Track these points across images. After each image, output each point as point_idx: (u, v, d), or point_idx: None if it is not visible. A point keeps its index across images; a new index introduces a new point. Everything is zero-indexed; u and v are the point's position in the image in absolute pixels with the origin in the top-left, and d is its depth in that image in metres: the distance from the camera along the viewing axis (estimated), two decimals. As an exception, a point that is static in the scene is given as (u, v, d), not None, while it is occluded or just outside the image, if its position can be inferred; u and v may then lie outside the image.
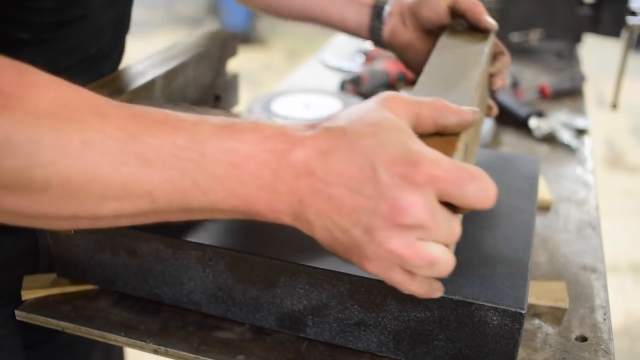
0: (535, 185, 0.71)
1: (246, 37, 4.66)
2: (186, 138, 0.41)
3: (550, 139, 1.06)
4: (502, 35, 1.50)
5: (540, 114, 1.10)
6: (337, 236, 0.41)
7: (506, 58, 0.72)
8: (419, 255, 0.40)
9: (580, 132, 1.08)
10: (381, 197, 0.39)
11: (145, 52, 0.79)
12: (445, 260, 0.40)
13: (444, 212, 0.40)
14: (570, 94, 1.27)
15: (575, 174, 0.93)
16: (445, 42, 0.66)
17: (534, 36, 1.48)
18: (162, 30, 4.99)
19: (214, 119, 0.43)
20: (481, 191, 0.39)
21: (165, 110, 0.43)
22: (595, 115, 3.24)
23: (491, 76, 0.71)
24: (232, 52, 0.86)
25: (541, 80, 1.28)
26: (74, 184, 0.40)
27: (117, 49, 0.76)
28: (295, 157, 0.41)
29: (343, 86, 1.19)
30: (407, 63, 0.79)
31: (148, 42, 0.96)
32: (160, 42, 0.84)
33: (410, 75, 1.25)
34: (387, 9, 0.76)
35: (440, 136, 0.45)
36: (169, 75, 0.70)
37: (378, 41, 0.79)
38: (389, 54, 1.31)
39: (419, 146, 0.40)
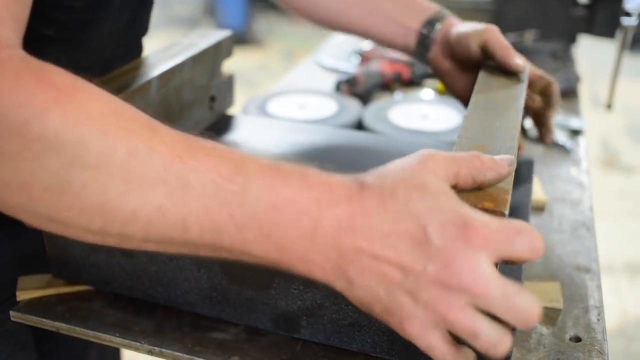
0: (529, 186, 0.71)
1: (242, 38, 4.66)
2: (231, 169, 0.41)
3: (545, 139, 1.06)
4: (497, 36, 1.50)
5: (535, 115, 1.11)
6: (379, 295, 0.41)
7: (555, 89, 0.75)
8: (461, 319, 0.39)
9: (575, 133, 1.09)
10: (430, 260, 0.39)
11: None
12: (490, 336, 0.39)
13: (498, 278, 0.39)
14: (565, 94, 1.27)
15: (570, 175, 0.94)
16: (483, 83, 0.67)
17: (529, 37, 1.48)
18: (159, 30, 4.98)
19: (262, 158, 0.42)
20: (529, 243, 0.40)
21: (214, 142, 0.43)
22: (590, 115, 3.25)
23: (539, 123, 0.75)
24: (227, 53, 0.86)
25: (536, 81, 1.28)
26: (110, 193, 0.40)
27: (133, 52, 0.77)
28: (340, 210, 0.41)
29: (338, 87, 1.19)
30: (447, 86, 0.81)
31: (144, 42, 0.96)
32: (157, 43, 0.84)
33: (405, 75, 1.26)
34: (432, 37, 0.78)
35: (490, 189, 0.46)
36: (165, 76, 0.71)
37: (422, 61, 0.82)
38: (384, 54, 1.31)
39: (467, 210, 0.40)
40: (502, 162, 0.45)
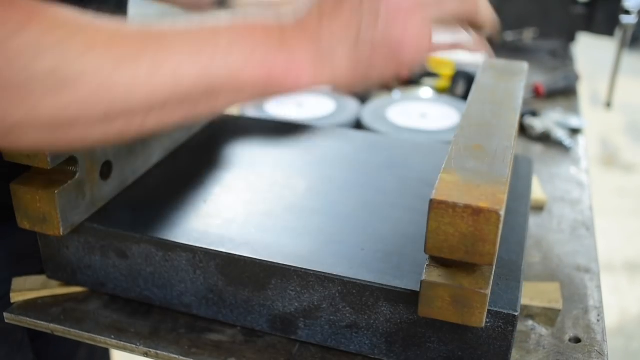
0: (529, 185, 0.71)
1: (241, 36, 4.65)
2: (197, 24, 0.45)
3: (544, 138, 1.05)
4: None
5: (534, 113, 1.10)
6: (356, 45, 0.48)
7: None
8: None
9: (575, 132, 1.08)
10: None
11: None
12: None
13: None
14: (564, 93, 1.26)
15: (569, 174, 0.93)
16: (481, 83, 0.66)
17: (528, 35, 1.47)
18: (157, 28, 4.97)
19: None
20: None
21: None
22: (589, 114, 3.25)
23: None
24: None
25: (535, 79, 1.28)
26: (105, 71, 0.41)
27: None
28: (297, 18, 0.48)
29: (336, 85, 1.18)
30: None
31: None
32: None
33: (404, 74, 1.25)
34: None
35: (485, 188, 0.45)
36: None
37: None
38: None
39: None
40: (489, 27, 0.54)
